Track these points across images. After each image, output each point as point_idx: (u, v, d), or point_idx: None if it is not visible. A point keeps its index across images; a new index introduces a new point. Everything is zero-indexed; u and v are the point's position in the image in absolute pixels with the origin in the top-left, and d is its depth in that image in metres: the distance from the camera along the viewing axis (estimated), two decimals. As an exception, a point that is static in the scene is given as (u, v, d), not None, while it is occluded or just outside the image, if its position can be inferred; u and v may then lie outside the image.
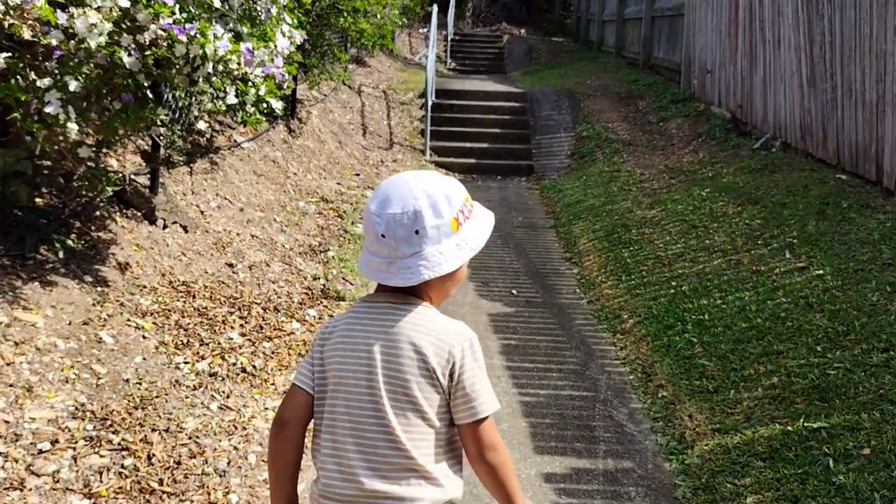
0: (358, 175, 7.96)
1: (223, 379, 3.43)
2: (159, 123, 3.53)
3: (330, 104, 9.68)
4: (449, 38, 17.98)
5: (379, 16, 8.52)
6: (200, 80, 3.24)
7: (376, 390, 1.37)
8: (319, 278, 5.09)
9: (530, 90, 12.28)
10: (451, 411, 1.39)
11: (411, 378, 1.36)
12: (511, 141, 10.64)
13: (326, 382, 1.42)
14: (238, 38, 3.41)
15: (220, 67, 3.20)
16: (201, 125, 5.01)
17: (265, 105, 3.55)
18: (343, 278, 5.26)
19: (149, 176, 4.54)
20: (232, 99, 3.48)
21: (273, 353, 3.85)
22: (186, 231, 4.62)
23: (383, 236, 1.37)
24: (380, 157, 9.20)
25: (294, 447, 1.44)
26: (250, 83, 3.48)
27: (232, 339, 3.80)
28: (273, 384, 3.56)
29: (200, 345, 3.62)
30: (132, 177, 4.44)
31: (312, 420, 1.45)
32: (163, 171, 4.74)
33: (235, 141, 6.44)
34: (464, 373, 1.38)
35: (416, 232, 1.36)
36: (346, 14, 7.48)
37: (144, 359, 3.30)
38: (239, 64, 3.26)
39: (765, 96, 7.97)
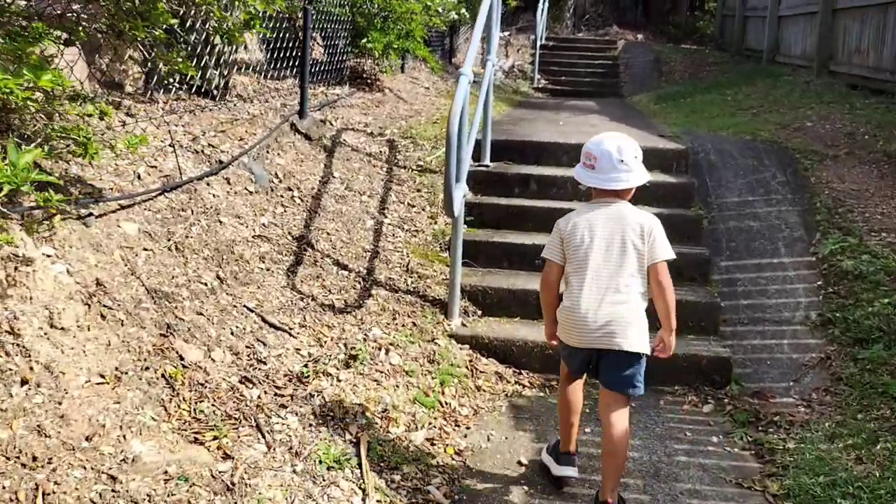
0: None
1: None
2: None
3: (234, 196, 3.87)
4: (538, 45, 11.97)
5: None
6: None
7: (617, 247, 2.60)
8: None
9: (692, 143, 6.04)
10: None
11: (634, 237, 2.60)
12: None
13: (578, 250, 2.62)
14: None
15: None
16: None
17: None
18: None
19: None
20: None
21: None
22: None
23: (595, 159, 2.64)
24: (303, 365, 3.29)
25: (555, 293, 2.72)
26: None
27: None
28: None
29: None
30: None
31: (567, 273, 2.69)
32: None
33: None
34: (655, 236, 2.61)
35: (622, 161, 2.60)
36: None
37: None
38: None
39: None
